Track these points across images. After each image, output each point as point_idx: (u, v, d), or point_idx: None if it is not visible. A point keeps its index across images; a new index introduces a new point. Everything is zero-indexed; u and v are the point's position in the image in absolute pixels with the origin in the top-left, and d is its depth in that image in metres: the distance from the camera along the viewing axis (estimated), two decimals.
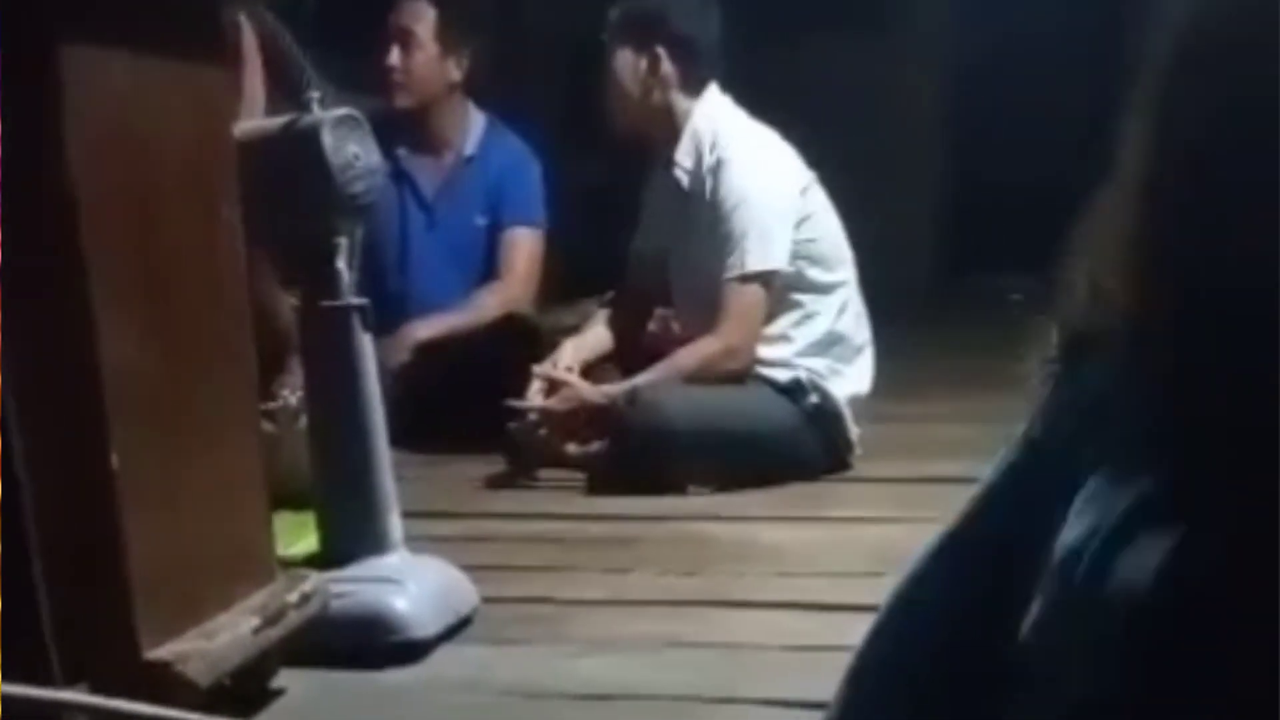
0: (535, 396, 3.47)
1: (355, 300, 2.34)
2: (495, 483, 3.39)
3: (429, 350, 3.83)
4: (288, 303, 2.54)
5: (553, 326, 3.86)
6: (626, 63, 3.58)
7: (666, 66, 3.55)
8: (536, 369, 3.51)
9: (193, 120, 1.87)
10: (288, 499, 2.31)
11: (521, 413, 3.43)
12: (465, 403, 3.51)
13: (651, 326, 3.73)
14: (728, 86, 3.61)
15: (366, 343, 2.36)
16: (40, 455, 1.57)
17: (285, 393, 2.78)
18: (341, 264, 2.34)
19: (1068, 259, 0.88)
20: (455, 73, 4.04)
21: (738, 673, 2.16)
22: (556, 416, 3.43)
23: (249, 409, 2.01)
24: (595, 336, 3.68)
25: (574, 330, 3.74)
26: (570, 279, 4.12)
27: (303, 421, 2.53)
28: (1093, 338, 0.85)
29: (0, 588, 1.50)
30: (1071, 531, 0.79)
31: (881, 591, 1.00)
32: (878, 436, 3.53)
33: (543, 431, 3.42)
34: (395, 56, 3.98)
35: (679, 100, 3.57)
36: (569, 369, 3.51)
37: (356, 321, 2.34)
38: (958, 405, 3.84)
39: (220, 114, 2.00)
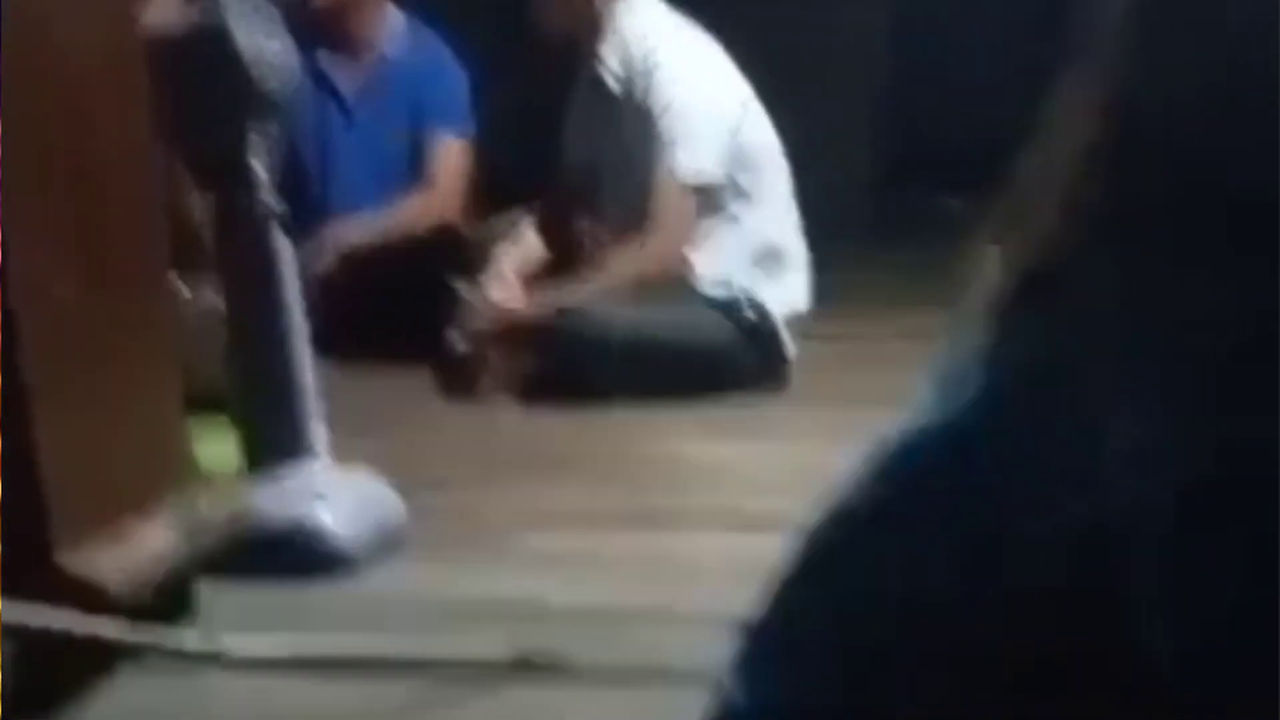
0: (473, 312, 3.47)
1: (272, 201, 2.33)
2: (423, 396, 3.39)
3: (355, 260, 3.80)
4: (201, 206, 2.52)
5: (485, 240, 3.83)
6: None
7: None
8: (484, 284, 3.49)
9: (105, 19, 1.85)
10: (208, 404, 2.29)
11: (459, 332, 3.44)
12: (394, 316, 3.50)
13: (583, 237, 3.72)
14: None
15: (285, 246, 2.34)
16: None
17: (205, 292, 2.75)
18: (257, 164, 2.32)
19: (1017, 184, 0.88)
20: None
21: (671, 589, 2.18)
22: (491, 335, 3.43)
23: (164, 315, 1.99)
24: (529, 244, 3.66)
25: (505, 241, 3.71)
26: (498, 190, 4.09)
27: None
28: (1042, 272, 0.85)
29: None
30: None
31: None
32: (816, 354, 3.54)
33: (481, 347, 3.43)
34: None
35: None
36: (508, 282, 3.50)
37: (274, 223, 2.33)
38: (897, 322, 3.87)
39: (130, 11, 1.98)
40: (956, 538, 0.84)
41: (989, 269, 0.89)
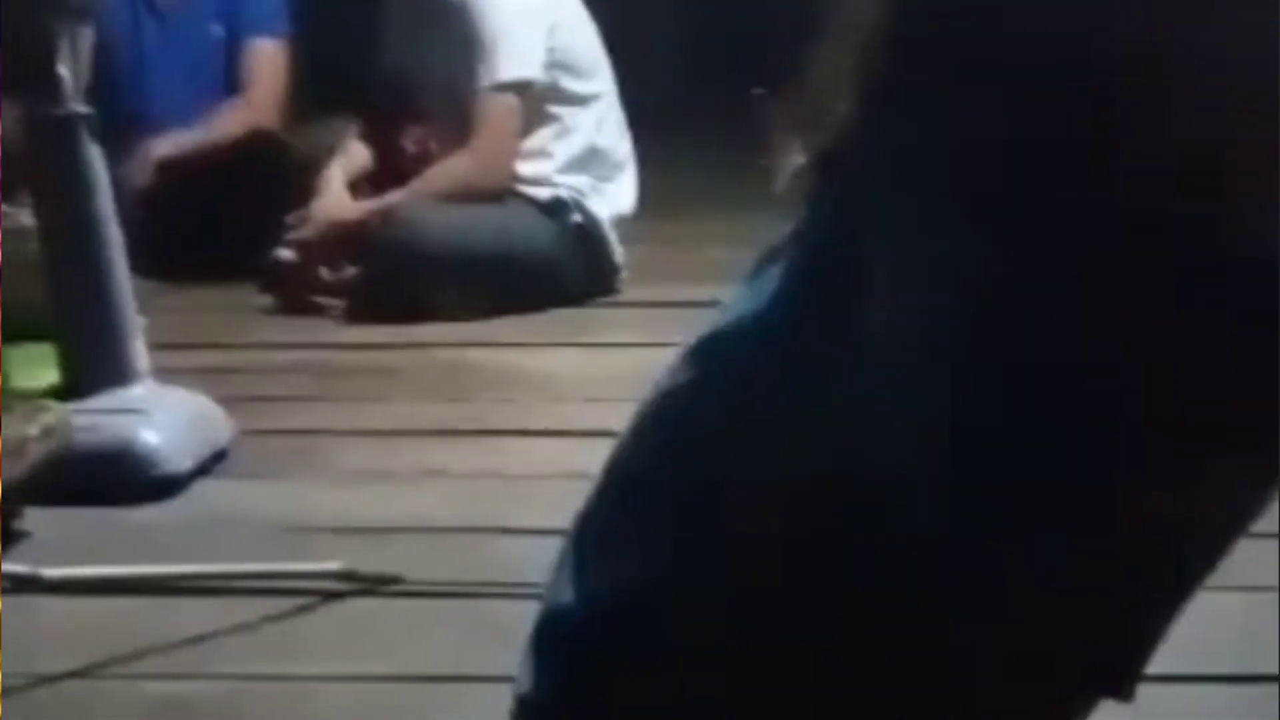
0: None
1: (81, 108, 2.27)
2: (247, 312, 3.35)
3: (172, 171, 3.72)
4: (9, 113, 2.45)
5: (308, 147, 3.76)
6: None
7: None
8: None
9: None
10: (25, 329, 2.24)
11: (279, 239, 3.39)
12: (214, 227, 3.45)
13: (407, 144, 3.68)
14: None
15: (96, 155, 2.29)
16: None
17: (25, 219, 2.68)
18: (64, 69, 2.26)
19: (811, 71, 0.90)
20: None
21: (507, 502, 2.19)
22: (312, 242, 3.39)
23: None
24: (356, 153, 3.60)
25: (329, 151, 3.65)
26: (318, 95, 4.03)
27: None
28: (830, 152, 0.87)
29: None
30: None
31: None
32: (643, 258, 3.56)
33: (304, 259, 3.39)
34: None
35: None
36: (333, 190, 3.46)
37: (84, 130, 2.27)
38: (722, 225, 3.89)
39: None
40: (763, 422, 0.87)
41: (789, 158, 0.91)
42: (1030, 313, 0.78)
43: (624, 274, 3.51)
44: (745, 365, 0.90)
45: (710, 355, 0.92)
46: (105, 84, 3.09)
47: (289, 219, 3.45)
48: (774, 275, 0.90)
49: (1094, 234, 0.78)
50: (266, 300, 3.39)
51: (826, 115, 0.87)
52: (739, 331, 0.91)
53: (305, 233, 3.42)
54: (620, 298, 3.47)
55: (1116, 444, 0.78)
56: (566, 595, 0.92)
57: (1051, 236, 0.78)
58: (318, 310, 3.36)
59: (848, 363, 0.83)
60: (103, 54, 2.90)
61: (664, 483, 0.91)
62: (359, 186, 3.54)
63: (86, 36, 2.35)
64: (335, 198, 3.44)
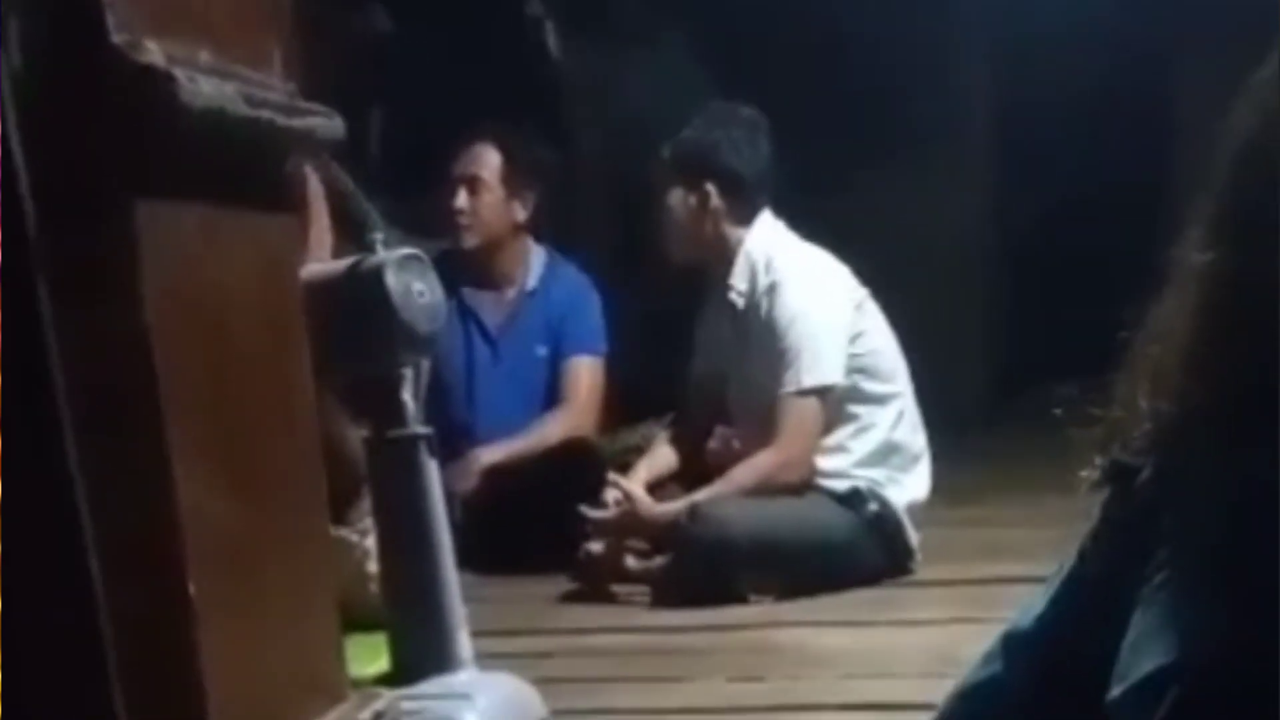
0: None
1: (421, 429, 2.38)
2: (561, 600, 3.41)
3: (496, 475, 3.87)
4: (356, 435, 2.59)
5: (615, 448, 3.88)
6: (678, 199, 3.64)
7: (716, 201, 3.60)
8: (611, 478, 3.53)
9: (262, 268, 1.92)
10: (361, 623, 2.33)
11: (592, 533, 3.45)
12: (530, 525, 3.55)
13: (712, 444, 3.75)
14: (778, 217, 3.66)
15: (433, 469, 2.38)
16: (121, 589, 1.60)
17: (355, 536, 2.83)
18: (407, 395, 2.38)
19: (1118, 373, 0.89)
20: (521, 213, 4.11)
21: None
22: (619, 530, 3.46)
23: (321, 537, 2.03)
24: (663, 455, 3.71)
25: (636, 451, 3.76)
26: (630, 402, 4.15)
27: (373, 558, 2.56)
28: (1140, 456, 0.86)
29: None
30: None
31: (943, 691, 1.01)
32: (937, 541, 3.51)
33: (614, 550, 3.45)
34: (463, 200, 4.05)
35: (731, 230, 3.62)
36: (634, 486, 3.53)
37: (423, 448, 2.37)
38: (1013, 510, 3.82)
39: (288, 260, 2.06)
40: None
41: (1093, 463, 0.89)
42: None
43: (918, 556, 3.46)
44: (1036, 663, 0.89)
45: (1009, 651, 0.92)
46: (440, 401, 3.28)
47: (591, 514, 3.51)
48: (1069, 578, 0.89)
49: None
50: (576, 589, 3.45)
51: (1124, 436, 0.86)
52: (1035, 631, 0.90)
53: (614, 524, 3.49)
54: (914, 578, 3.42)
55: None
56: None
57: None
58: (625, 593, 3.40)
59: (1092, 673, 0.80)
60: (439, 374, 3.08)
61: None
62: (666, 485, 3.62)
63: (426, 365, 2.48)
64: (640, 491, 3.51)
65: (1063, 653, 0.85)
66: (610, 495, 3.50)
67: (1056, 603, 0.89)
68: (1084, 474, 0.89)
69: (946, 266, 6.11)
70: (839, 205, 4.99)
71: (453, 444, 3.22)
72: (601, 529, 3.48)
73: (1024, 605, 0.94)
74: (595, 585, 3.45)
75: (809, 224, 3.68)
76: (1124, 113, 6.13)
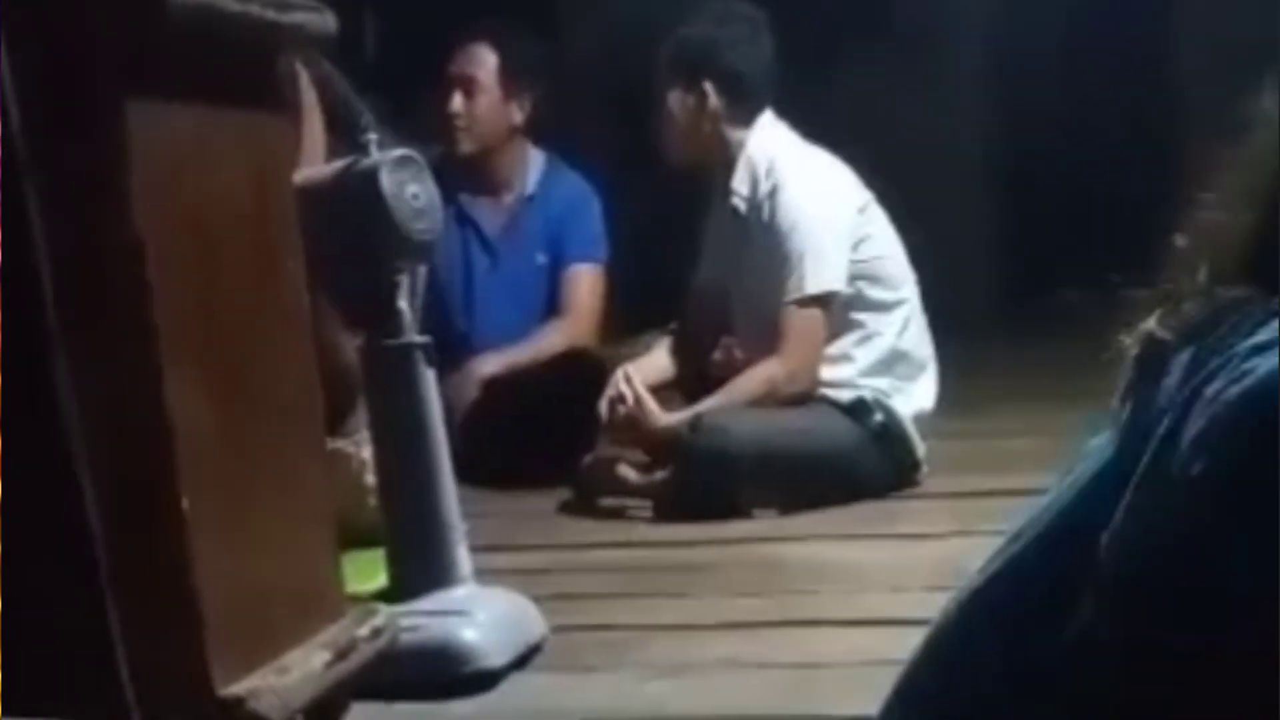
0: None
1: (418, 338, 2.36)
2: (562, 514, 3.39)
3: (494, 387, 3.83)
4: (351, 344, 2.57)
5: (616, 360, 3.85)
6: (675, 100, 3.58)
7: (714, 101, 3.54)
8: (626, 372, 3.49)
9: (254, 170, 1.89)
10: (358, 537, 2.32)
11: (593, 447, 3.43)
12: (531, 437, 3.53)
13: (716, 354, 3.72)
14: (780, 115, 3.61)
15: (430, 379, 2.37)
16: (113, 502, 1.59)
17: (351, 447, 2.81)
18: (403, 303, 2.36)
19: (1170, 266, 0.87)
20: (517, 116, 4.05)
21: (811, 691, 2.15)
22: (625, 432, 3.44)
23: (317, 449, 2.02)
24: (655, 362, 3.67)
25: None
26: (632, 312, 4.12)
27: (370, 470, 2.55)
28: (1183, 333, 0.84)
29: (79, 634, 1.52)
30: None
31: None
32: (943, 452, 3.50)
33: (613, 462, 3.44)
34: (458, 103, 3.98)
35: (731, 132, 3.56)
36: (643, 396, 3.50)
37: (420, 358, 2.36)
38: (1022, 420, 3.81)
39: (280, 163, 2.02)
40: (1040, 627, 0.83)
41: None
42: None
43: (924, 468, 3.45)
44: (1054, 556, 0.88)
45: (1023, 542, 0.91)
46: (437, 309, 3.25)
47: (598, 421, 3.49)
48: (1088, 469, 0.88)
49: None
50: (578, 503, 3.43)
51: (1176, 304, 0.85)
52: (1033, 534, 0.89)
53: (615, 433, 3.47)
54: (921, 490, 3.40)
55: None
56: None
57: None
58: (627, 507, 3.38)
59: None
60: (436, 282, 3.04)
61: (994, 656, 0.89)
62: (668, 395, 3.60)
63: (423, 271, 2.45)
64: (641, 401, 3.49)
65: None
66: (619, 388, 3.45)
67: (1086, 497, 0.88)
68: (1125, 340, 0.88)
69: (953, 172, 6.08)
70: (844, 109, 4.94)
71: (452, 355, 3.18)
72: (608, 430, 3.45)
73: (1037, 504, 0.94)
74: (596, 488, 3.42)
75: (812, 127, 3.62)
76: (1131, 29, 6.09)
